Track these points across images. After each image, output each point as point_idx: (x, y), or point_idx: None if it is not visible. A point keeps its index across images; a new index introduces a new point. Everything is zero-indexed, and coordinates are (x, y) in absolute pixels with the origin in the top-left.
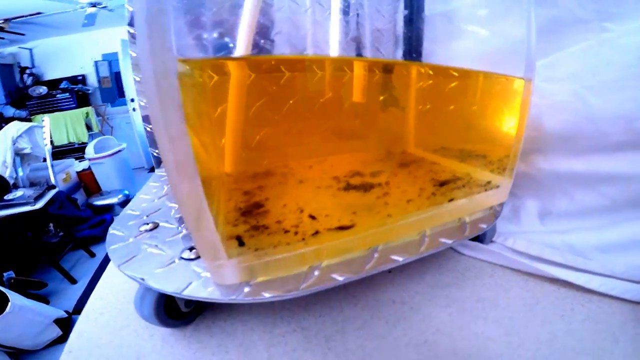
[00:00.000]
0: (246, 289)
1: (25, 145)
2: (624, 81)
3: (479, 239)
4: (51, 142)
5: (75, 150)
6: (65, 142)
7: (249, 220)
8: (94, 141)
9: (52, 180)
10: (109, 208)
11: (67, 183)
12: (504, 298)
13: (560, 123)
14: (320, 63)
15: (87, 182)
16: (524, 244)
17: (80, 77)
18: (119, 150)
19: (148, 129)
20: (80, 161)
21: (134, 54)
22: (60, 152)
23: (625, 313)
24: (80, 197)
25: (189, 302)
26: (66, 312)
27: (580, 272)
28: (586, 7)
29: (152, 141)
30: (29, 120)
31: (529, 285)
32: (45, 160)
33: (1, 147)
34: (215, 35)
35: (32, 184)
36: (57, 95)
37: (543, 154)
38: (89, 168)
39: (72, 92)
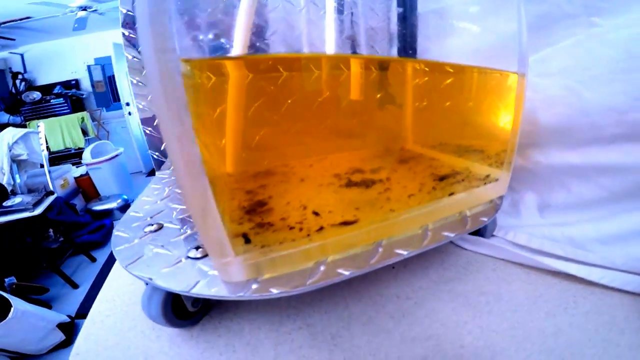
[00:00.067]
0: (254, 286)
1: (21, 152)
2: (614, 75)
3: (480, 233)
4: (47, 147)
5: (72, 156)
6: (62, 147)
7: (253, 218)
8: (91, 146)
9: (50, 187)
10: (108, 213)
11: (65, 189)
12: (507, 291)
13: (554, 117)
14: (317, 62)
15: (85, 187)
16: (524, 238)
17: (74, 82)
18: (116, 155)
19: (147, 131)
20: (77, 167)
21: (129, 56)
22: (57, 158)
23: (627, 305)
24: (78, 202)
25: (196, 302)
26: (69, 316)
27: (580, 264)
28: (574, 3)
29: (152, 144)
30: (24, 126)
31: (531, 278)
32: (42, 166)
33: None
34: (211, 36)
35: (29, 191)
36: (51, 101)
37: (539, 147)
38: (87, 173)
39: (66, 97)
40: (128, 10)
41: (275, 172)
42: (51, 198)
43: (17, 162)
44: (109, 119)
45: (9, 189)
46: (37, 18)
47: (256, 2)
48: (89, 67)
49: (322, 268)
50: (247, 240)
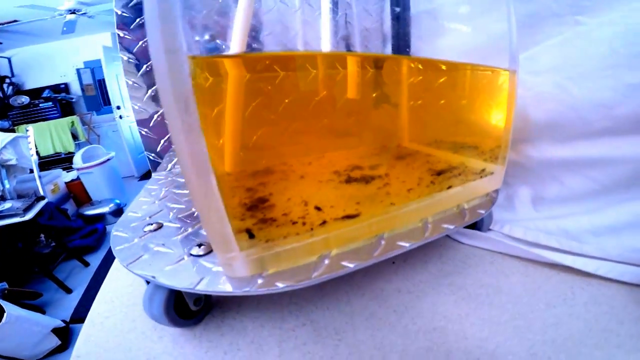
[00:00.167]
0: (259, 281)
1: (10, 157)
2: (601, 71)
3: (477, 227)
4: (37, 152)
5: (62, 161)
6: (52, 152)
7: (255, 214)
8: (82, 150)
9: (40, 192)
10: (101, 217)
11: (56, 194)
12: (506, 284)
13: (545, 113)
14: (314, 61)
15: (77, 192)
16: (520, 231)
17: (63, 86)
18: (108, 159)
19: (143, 133)
20: (68, 171)
21: (124, 58)
22: (46, 163)
23: (624, 295)
24: (70, 207)
25: (198, 300)
26: (64, 321)
27: (576, 256)
28: (560, 2)
29: (148, 145)
30: (13, 131)
31: (529, 271)
32: (31, 171)
33: None
34: (207, 37)
35: (19, 196)
36: (40, 105)
37: (531, 142)
38: (78, 178)
39: (56, 101)
40: (123, 12)
41: (274, 171)
42: (42, 203)
43: (5, 167)
44: (99, 123)
45: None
46: (24, 21)
47: (254, 0)
48: (78, 70)
49: (326, 261)
50: (251, 236)
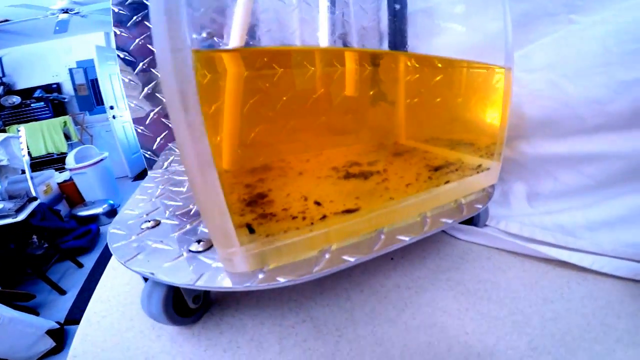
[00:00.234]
0: (260, 276)
1: (1, 157)
2: (594, 69)
3: (474, 222)
4: (28, 153)
5: (54, 161)
6: (44, 152)
7: (255, 209)
8: (74, 151)
9: (33, 193)
10: (94, 218)
11: (48, 195)
12: (504, 279)
13: (539, 110)
14: (312, 58)
15: (70, 193)
16: (516, 227)
17: (55, 86)
18: (101, 160)
19: (139, 130)
20: (60, 172)
21: (121, 55)
22: (38, 164)
23: (620, 289)
24: (63, 208)
25: (197, 298)
26: (58, 323)
27: (572, 251)
28: (555, 1)
29: (144, 143)
30: (4, 131)
31: (526, 266)
32: (23, 172)
33: None
34: (204, 34)
35: (11, 197)
36: (32, 105)
37: (526, 139)
38: (71, 179)
39: (47, 101)
40: (120, 10)
41: (272, 167)
42: (34, 204)
43: None
44: (92, 123)
45: None
46: (16, 21)
47: None
48: (70, 70)
49: (327, 256)
50: (251, 231)
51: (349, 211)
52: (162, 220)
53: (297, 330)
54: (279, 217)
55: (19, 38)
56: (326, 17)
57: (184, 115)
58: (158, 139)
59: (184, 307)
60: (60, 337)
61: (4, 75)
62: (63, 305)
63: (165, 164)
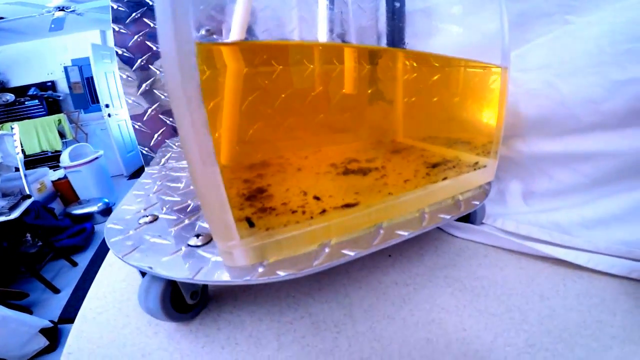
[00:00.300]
0: (260, 270)
1: None
2: (588, 68)
3: (470, 220)
4: (22, 150)
5: (48, 159)
6: (38, 150)
7: (254, 204)
8: (69, 149)
9: (27, 190)
10: (89, 217)
11: (42, 193)
12: (501, 276)
13: (535, 109)
14: (311, 54)
15: (64, 191)
16: (512, 224)
17: (50, 84)
18: (96, 158)
19: (136, 127)
20: (55, 170)
21: (119, 52)
22: (33, 161)
23: (615, 287)
24: (57, 206)
25: (195, 294)
26: (52, 321)
27: (567, 249)
28: (550, 1)
29: (141, 139)
30: None
31: (522, 264)
32: (17, 169)
33: None
34: (203, 32)
35: (4, 195)
36: (26, 103)
37: (521, 138)
38: (65, 177)
39: (42, 99)
40: (119, 6)
41: (270, 163)
42: (28, 202)
43: None
44: (87, 121)
45: None
46: (11, 18)
47: None
48: (66, 68)
49: (326, 250)
50: (251, 224)
51: (348, 206)
52: (160, 216)
53: (295, 326)
54: (279, 211)
55: (13, 36)
56: (325, 15)
57: (187, 106)
58: (155, 136)
59: (181, 303)
60: (54, 335)
61: None
62: (57, 304)
63: (163, 160)
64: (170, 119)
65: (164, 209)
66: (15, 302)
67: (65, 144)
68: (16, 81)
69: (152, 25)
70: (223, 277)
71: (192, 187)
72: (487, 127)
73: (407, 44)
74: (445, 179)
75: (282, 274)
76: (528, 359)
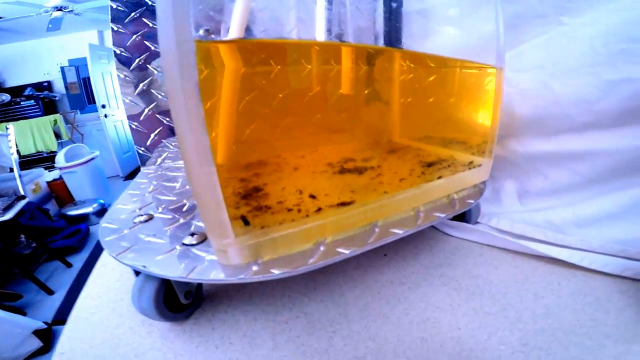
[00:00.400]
0: (254, 268)
1: None
2: (582, 68)
3: (465, 219)
4: (17, 151)
5: (44, 160)
6: (33, 151)
7: (250, 202)
8: (64, 149)
9: (21, 191)
10: (84, 218)
11: (37, 194)
12: (495, 275)
13: (529, 108)
14: (308, 56)
15: (59, 192)
16: (507, 224)
17: (46, 84)
18: (92, 159)
19: (133, 127)
20: (50, 171)
21: (117, 51)
22: (28, 162)
23: (608, 285)
24: (52, 207)
25: (189, 293)
26: (45, 323)
27: (561, 247)
28: (544, 3)
29: (137, 139)
30: None
31: (517, 262)
32: (12, 170)
33: None
34: (202, 32)
35: None
36: (22, 103)
37: (516, 137)
38: (60, 177)
39: (38, 99)
40: (118, 6)
41: (267, 163)
42: (22, 202)
43: None
44: (83, 122)
45: None
46: (8, 18)
47: None
48: (62, 68)
49: (322, 248)
50: (246, 222)
51: (343, 204)
52: (155, 215)
53: (290, 326)
54: (274, 209)
55: (10, 35)
56: (323, 16)
57: (185, 106)
58: (152, 135)
59: (175, 302)
60: (48, 337)
61: None
62: (51, 305)
63: (159, 160)
64: (167, 119)
65: (160, 208)
66: (9, 303)
67: (61, 145)
68: (12, 81)
69: (150, 25)
70: (217, 275)
71: (188, 187)
72: (482, 127)
73: (403, 43)
74: (440, 177)
75: (276, 272)
76: (522, 357)
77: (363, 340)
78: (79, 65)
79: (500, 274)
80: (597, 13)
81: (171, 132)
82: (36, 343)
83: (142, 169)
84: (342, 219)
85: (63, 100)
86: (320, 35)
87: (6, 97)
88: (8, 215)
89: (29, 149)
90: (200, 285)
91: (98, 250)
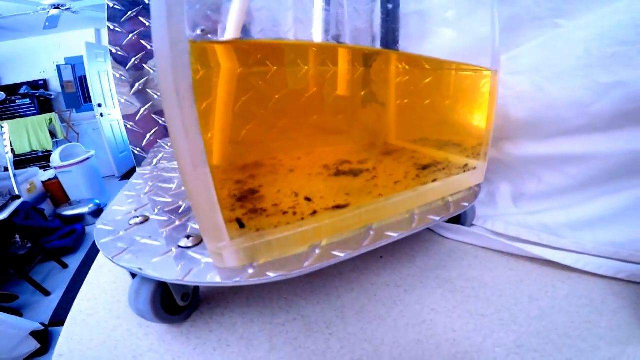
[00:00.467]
0: (250, 271)
1: None
2: (576, 71)
3: (461, 222)
4: (12, 150)
5: (39, 159)
6: (28, 150)
7: (245, 204)
8: (60, 149)
9: (16, 191)
10: (80, 218)
11: (32, 193)
12: (490, 277)
13: (524, 111)
14: (305, 57)
15: (54, 191)
16: (502, 226)
17: (42, 82)
18: (88, 158)
19: (129, 127)
20: (45, 170)
21: (113, 50)
22: (22, 161)
23: (602, 287)
24: (47, 207)
25: (186, 295)
26: (42, 324)
27: (555, 250)
28: (541, 5)
29: (133, 139)
30: None
31: (512, 265)
32: (6, 169)
33: None
34: (199, 32)
35: None
36: (17, 101)
37: (511, 140)
38: (56, 177)
39: (33, 98)
40: (115, 5)
41: (263, 164)
42: (17, 202)
43: None
44: (79, 121)
45: None
46: (5, 15)
47: None
48: (58, 67)
49: (317, 251)
50: (242, 225)
51: (338, 207)
52: (151, 217)
53: (287, 328)
54: (270, 212)
55: (6, 33)
56: (321, 17)
57: (179, 107)
58: (148, 136)
59: (172, 304)
60: (45, 338)
61: None
62: (48, 306)
63: (155, 160)
64: (163, 119)
65: (155, 210)
66: (5, 304)
67: (56, 144)
68: (7, 79)
69: (147, 24)
70: (213, 278)
71: (183, 188)
72: (477, 129)
73: (400, 45)
74: (435, 180)
75: (272, 275)
76: (517, 359)
77: (359, 342)
78: (75, 64)
79: (495, 276)
80: (593, 16)
81: (167, 132)
82: (33, 344)
83: (137, 169)
84: (337, 222)
85: (59, 98)
86: (318, 36)
87: (1, 95)
88: (3, 215)
89: (24, 148)
90: (197, 287)
91: (94, 250)
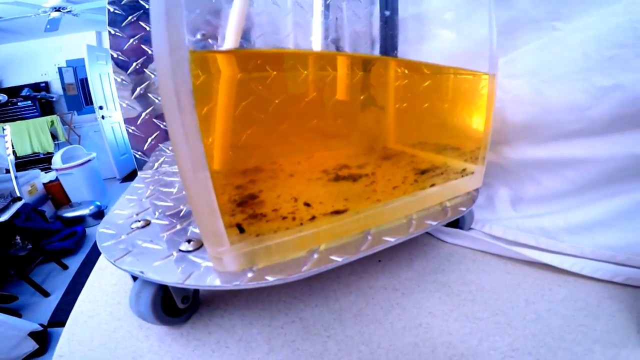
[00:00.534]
0: (249, 275)
1: None
2: (574, 74)
3: (459, 226)
4: (14, 152)
5: (40, 161)
6: (30, 152)
7: (245, 209)
8: (61, 151)
9: (17, 193)
10: (80, 220)
11: (33, 195)
12: (488, 281)
13: (522, 115)
14: (305, 61)
15: (55, 193)
16: (500, 230)
17: (43, 84)
18: (89, 160)
19: (130, 131)
20: (46, 172)
21: (114, 55)
22: (24, 163)
23: (599, 291)
24: (48, 209)
25: (186, 298)
26: (41, 325)
27: (553, 253)
28: (539, 8)
29: (134, 143)
30: None
31: (509, 268)
32: (8, 171)
33: None
34: (199, 36)
35: None
36: (19, 104)
37: (509, 144)
38: (57, 179)
39: (35, 100)
40: (115, 9)
41: (263, 169)
42: (18, 204)
43: None
44: (80, 123)
45: None
46: (7, 18)
47: None
48: (60, 69)
49: (315, 256)
50: (242, 230)
51: (337, 212)
52: (152, 221)
53: (285, 330)
54: (269, 217)
55: (7, 36)
56: (320, 21)
57: (179, 114)
58: (149, 140)
59: (172, 307)
60: (43, 339)
61: None
62: (47, 307)
63: (156, 164)
64: (164, 123)
65: (157, 213)
66: (4, 305)
67: (58, 146)
68: (9, 81)
69: (147, 28)
70: (213, 282)
71: (184, 192)
72: (476, 133)
73: (398, 50)
74: (433, 185)
75: (271, 279)
76: None
77: (356, 345)
78: (76, 66)
79: (492, 280)
80: (591, 18)
81: (168, 136)
82: (32, 345)
83: (139, 173)
84: (335, 227)
85: (60, 101)
86: (317, 43)
87: (3, 97)
88: (4, 217)
89: (25, 150)
90: (197, 290)
91: (94, 252)
